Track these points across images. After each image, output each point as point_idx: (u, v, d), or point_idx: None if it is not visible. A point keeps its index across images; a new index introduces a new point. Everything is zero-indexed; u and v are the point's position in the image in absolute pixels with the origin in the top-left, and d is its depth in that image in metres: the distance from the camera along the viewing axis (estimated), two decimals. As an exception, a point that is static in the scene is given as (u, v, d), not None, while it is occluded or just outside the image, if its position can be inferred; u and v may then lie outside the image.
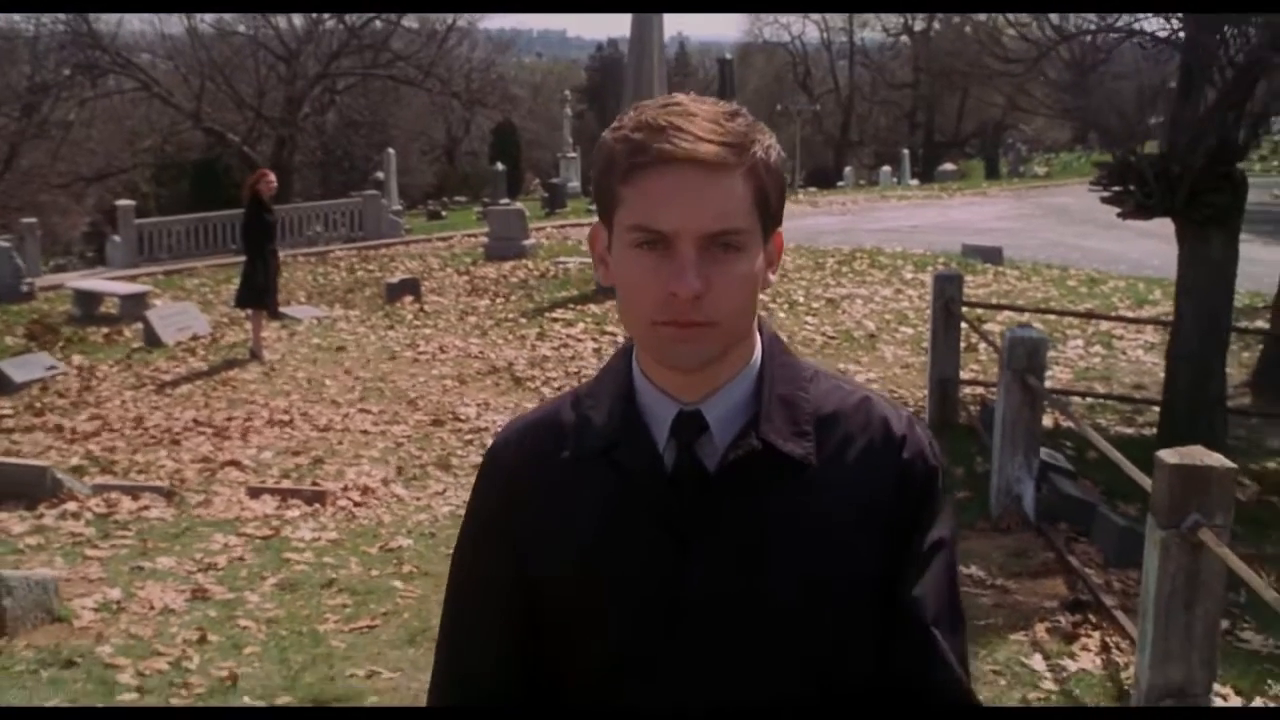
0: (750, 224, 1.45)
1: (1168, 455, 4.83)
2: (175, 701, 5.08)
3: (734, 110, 1.48)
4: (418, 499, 8.59)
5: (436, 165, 48.82)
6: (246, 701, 5.08)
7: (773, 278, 1.55)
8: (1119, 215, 8.72)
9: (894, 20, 52.33)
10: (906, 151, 44.59)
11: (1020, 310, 12.77)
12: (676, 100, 1.47)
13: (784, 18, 55.95)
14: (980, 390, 10.72)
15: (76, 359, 14.21)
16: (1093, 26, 9.61)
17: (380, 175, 33.48)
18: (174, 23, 35.59)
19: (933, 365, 9.87)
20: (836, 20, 54.70)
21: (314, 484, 8.91)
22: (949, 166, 44.44)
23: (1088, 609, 6.09)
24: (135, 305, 16.17)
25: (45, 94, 30.65)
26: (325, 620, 6.00)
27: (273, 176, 14.30)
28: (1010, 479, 7.41)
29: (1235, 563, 4.49)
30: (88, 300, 16.85)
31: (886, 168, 43.29)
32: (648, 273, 1.43)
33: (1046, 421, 9.34)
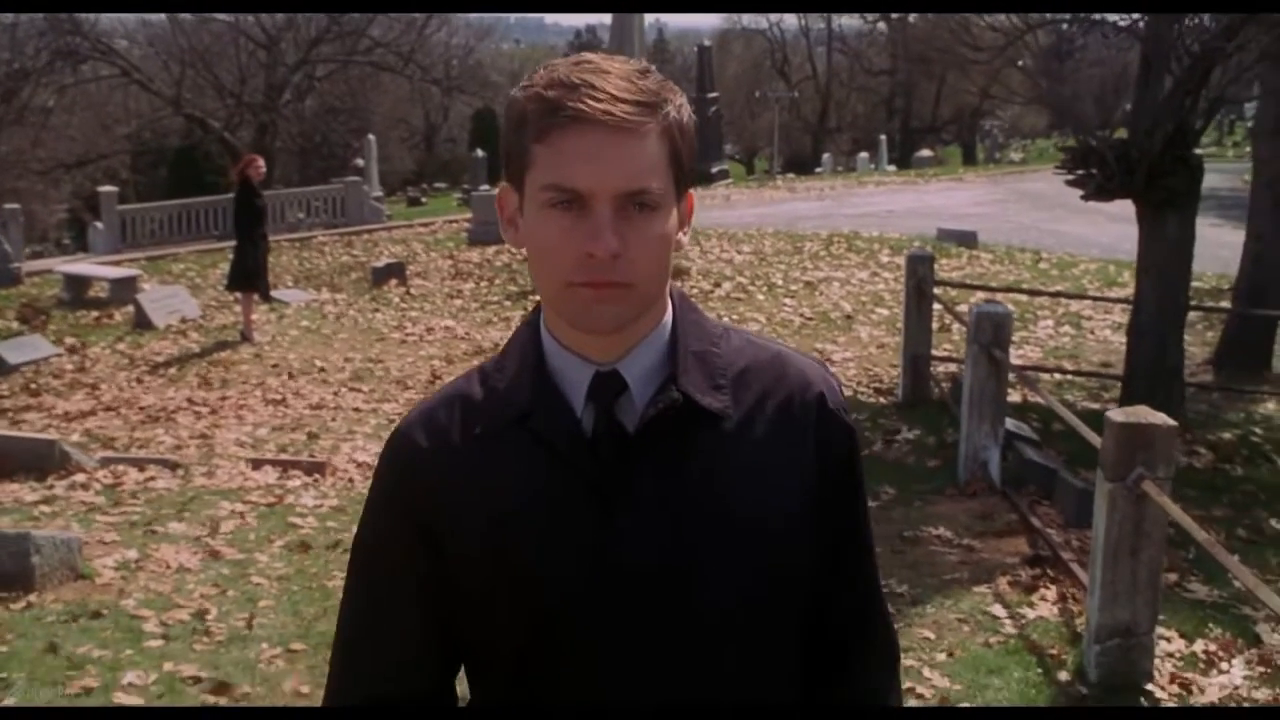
0: (665, 184, 1.45)
1: (1115, 414, 5.31)
2: (199, 647, 5.50)
3: (645, 68, 1.47)
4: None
5: (415, 152, 49.18)
6: (264, 648, 5.50)
7: (684, 238, 1.54)
8: (1081, 197, 9.17)
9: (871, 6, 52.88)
10: (884, 138, 45.14)
11: (992, 290, 13.23)
12: (588, 58, 1.47)
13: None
14: (953, 367, 11.18)
15: (69, 341, 14.56)
16: (1066, 17, 10.10)
17: (360, 162, 33.78)
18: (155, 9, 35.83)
19: (905, 343, 10.33)
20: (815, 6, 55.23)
21: (311, 456, 9.32)
22: (926, 153, 44.95)
23: (1047, 564, 6.56)
24: (124, 289, 16.52)
25: (25, 80, 30.79)
26: (333, 577, 6.41)
27: (262, 162, 14.64)
28: (977, 446, 7.88)
29: (1175, 511, 4.95)
30: (77, 284, 17.18)
31: (864, 154, 43.78)
32: (563, 233, 1.42)
33: (1015, 397, 9.84)
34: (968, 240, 18.75)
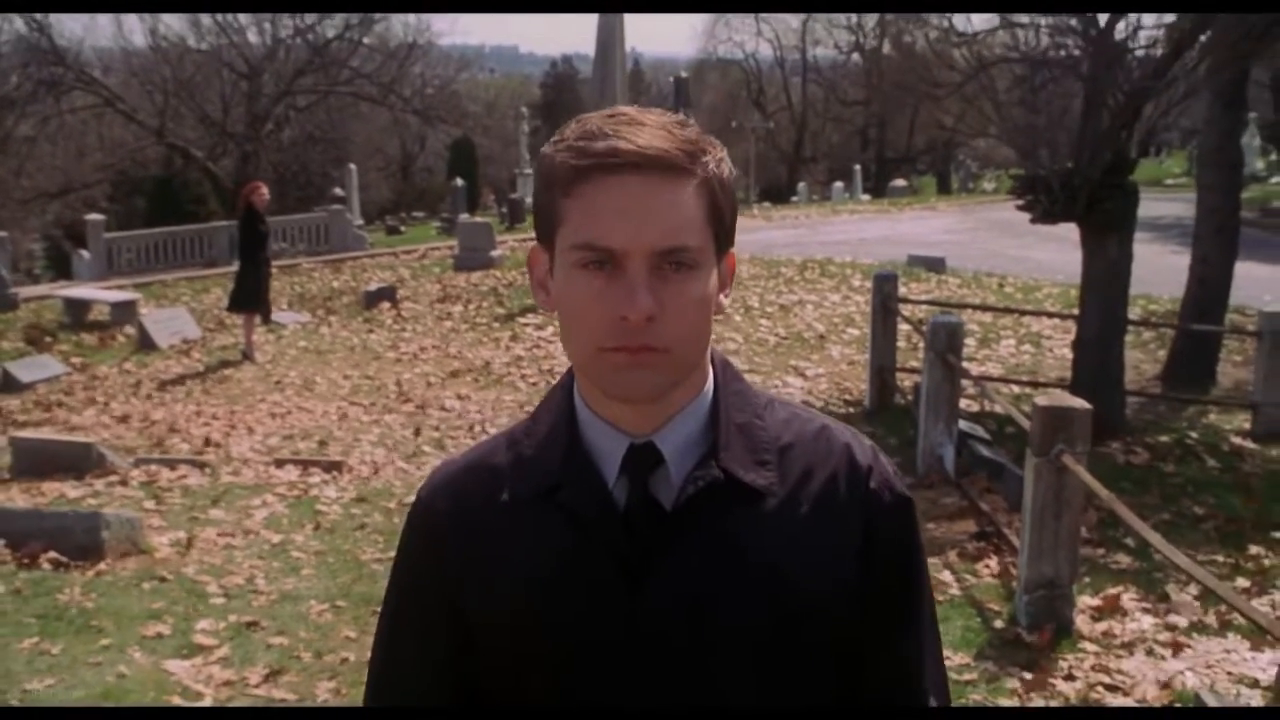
0: (704, 241, 1.40)
1: (1041, 400, 6.40)
2: (256, 604, 6.51)
3: (683, 120, 1.42)
4: (420, 470, 10.00)
5: (391, 181, 50.34)
6: (313, 604, 6.50)
7: (724, 300, 1.49)
8: (1031, 220, 10.29)
9: (846, 37, 54.55)
10: (858, 167, 46.44)
11: (955, 307, 14.35)
12: (622, 110, 1.42)
13: (738, 34, 58.19)
14: (918, 379, 12.26)
15: (76, 361, 15.51)
16: (1017, 55, 11.26)
17: (339, 191, 34.90)
18: (138, 38, 36.98)
19: (872, 355, 11.42)
20: (790, 38, 56.88)
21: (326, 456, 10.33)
22: (900, 182, 46.33)
23: (991, 539, 7.62)
24: (124, 312, 17.49)
25: (9, 110, 31.78)
26: (364, 552, 7.44)
27: (266, 189, 15.66)
28: (934, 443, 8.96)
29: (1088, 478, 6.01)
30: (77, 308, 18.14)
31: (839, 183, 45.02)
32: (595, 295, 1.37)
33: (974, 406, 10.96)
34: (936, 266, 19.90)
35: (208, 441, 11.43)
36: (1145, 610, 6.57)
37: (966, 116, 14.77)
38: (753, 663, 1.44)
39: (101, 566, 6.98)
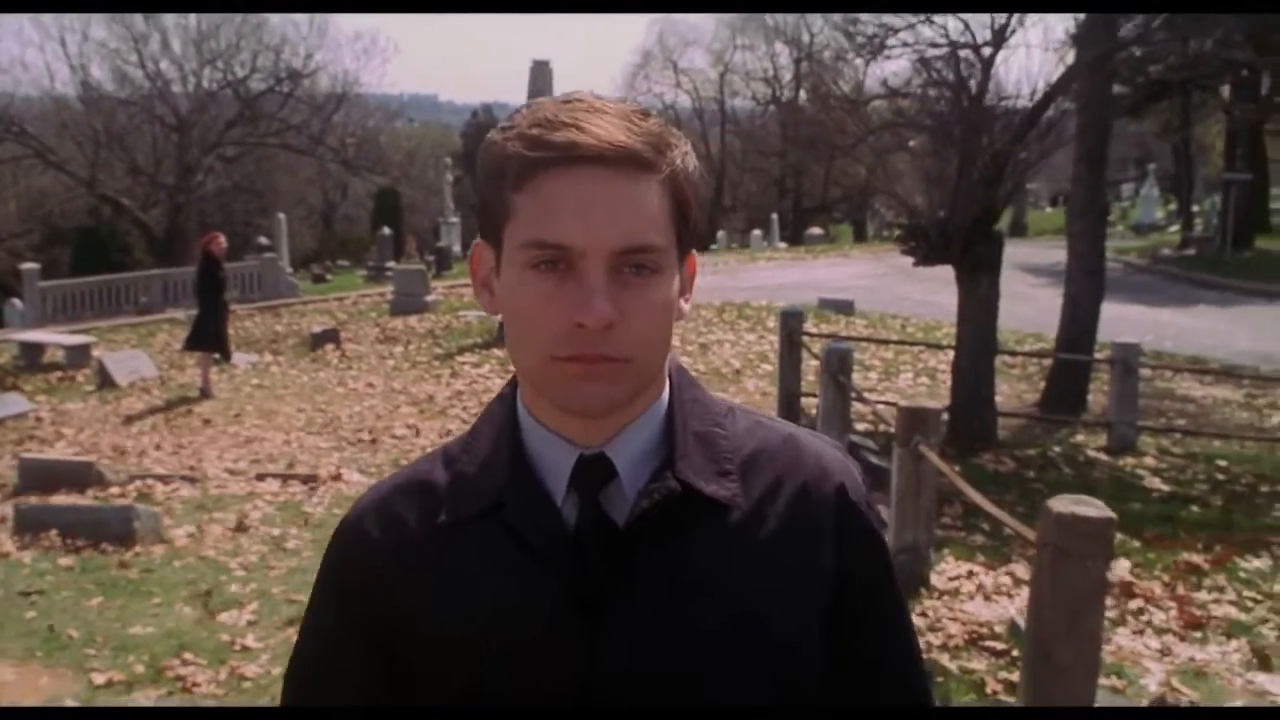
0: (667, 241, 1.31)
1: (902, 404, 8.24)
2: (272, 575, 8.17)
3: (644, 110, 1.33)
4: (384, 484, 11.67)
5: (314, 230, 51.88)
6: (317, 575, 8.16)
7: (685, 306, 1.40)
8: (914, 264, 12.23)
9: (763, 90, 57.20)
10: (776, 216, 48.69)
11: (856, 340, 16.27)
12: (579, 96, 1.33)
13: (658, 85, 60.59)
14: (821, 407, 14.15)
15: (41, 399, 16.96)
16: (901, 120, 13.26)
17: (264, 240, 36.43)
18: (61, 85, 38.38)
19: (780, 383, 13.29)
20: (708, 89, 59.47)
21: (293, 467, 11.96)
22: (816, 230, 48.72)
23: (872, 525, 9.44)
24: (79, 355, 18.96)
25: (-61, 161, 33.14)
26: (351, 540, 9.09)
27: (223, 238, 17.23)
28: (828, 452, 10.79)
29: (939, 463, 7.85)
30: (32, 351, 19.57)
31: (757, 231, 47.13)
32: (546, 299, 1.28)
33: (872, 427, 12.83)
34: (845, 309, 21.94)
35: (181, 467, 12.99)
36: (990, 572, 8.43)
37: (875, 173, 16.78)
38: (725, 692, 1.35)
39: (137, 550, 8.62)
